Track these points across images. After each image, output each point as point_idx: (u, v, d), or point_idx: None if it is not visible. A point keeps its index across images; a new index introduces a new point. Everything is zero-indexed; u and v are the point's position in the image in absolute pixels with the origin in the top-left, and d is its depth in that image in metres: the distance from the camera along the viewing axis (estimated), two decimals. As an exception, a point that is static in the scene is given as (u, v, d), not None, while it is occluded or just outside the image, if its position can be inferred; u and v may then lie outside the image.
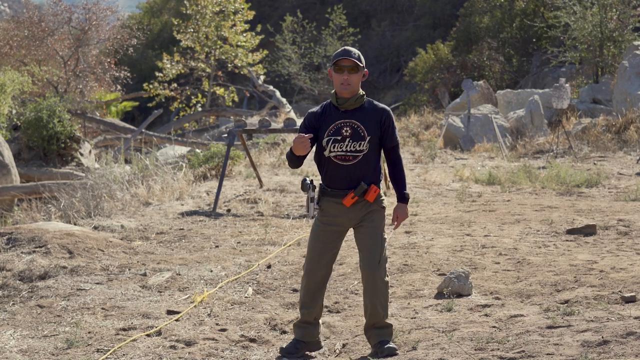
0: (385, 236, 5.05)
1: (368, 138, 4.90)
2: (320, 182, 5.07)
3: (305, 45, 34.05)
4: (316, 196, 5.04)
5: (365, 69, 4.97)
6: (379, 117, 4.95)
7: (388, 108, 5.03)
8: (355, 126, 4.91)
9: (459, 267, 6.91)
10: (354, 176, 4.93)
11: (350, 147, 4.89)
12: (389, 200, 11.38)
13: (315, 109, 5.07)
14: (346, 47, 4.95)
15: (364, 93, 4.97)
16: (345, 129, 4.90)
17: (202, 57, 29.09)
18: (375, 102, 5.04)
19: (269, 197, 11.79)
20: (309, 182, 5.03)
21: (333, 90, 5.01)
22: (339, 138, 4.90)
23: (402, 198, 5.06)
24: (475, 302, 6.13)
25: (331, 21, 34.57)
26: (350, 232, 5.23)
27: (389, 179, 12.35)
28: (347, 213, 4.97)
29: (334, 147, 4.91)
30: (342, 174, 4.93)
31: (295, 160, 4.95)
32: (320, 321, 5.29)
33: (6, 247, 7.95)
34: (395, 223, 5.08)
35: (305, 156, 4.93)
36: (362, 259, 5.01)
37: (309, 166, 14.98)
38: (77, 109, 22.39)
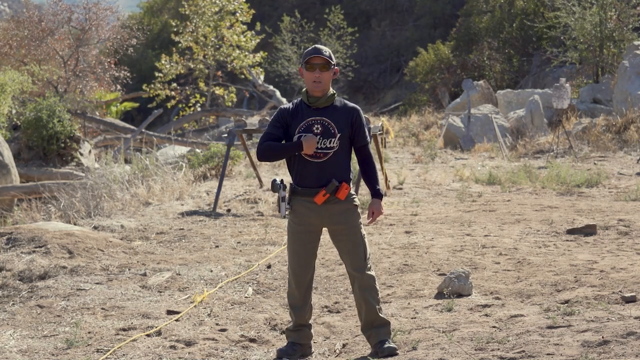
0: (364, 232, 5.07)
1: (338, 135, 4.93)
2: (291, 182, 5.07)
3: (305, 45, 34.03)
4: (287, 196, 5.04)
5: (336, 67, 5.00)
6: (350, 116, 4.99)
7: (358, 107, 5.09)
8: (326, 123, 4.94)
9: (459, 267, 6.90)
10: (325, 173, 4.94)
11: (320, 144, 4.92)
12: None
13: (286, 105, 5.09)
14: (317, 46, 4.97)
15: (334, 92, 5.02)
16: (316, 126, 4.94)
17: (201, 57, 29.07)
18: (346, 101, 5.08)
19: (269, 197, 11.78)
20: (279, 182, 5.04)
21: (304, 89, 5.03)
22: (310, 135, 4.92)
23: (377, 194, 5.06)
24: (476, 302, 6.12)
25: (329, 21, 34.50)
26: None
27: (388, 180, 12.25)
28: (319, 212, 4.97)
29: None
30: (313, 171, 4.95)
31: (283, 156, 4.99)
32: (312, 322, 5.30)
33: (6, 247, 7.94)
34: (371, 219, 5.06)
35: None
36: (347, 261, 5.03)
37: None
38: (77, 108, 22.37)
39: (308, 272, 5.07)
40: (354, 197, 5.06)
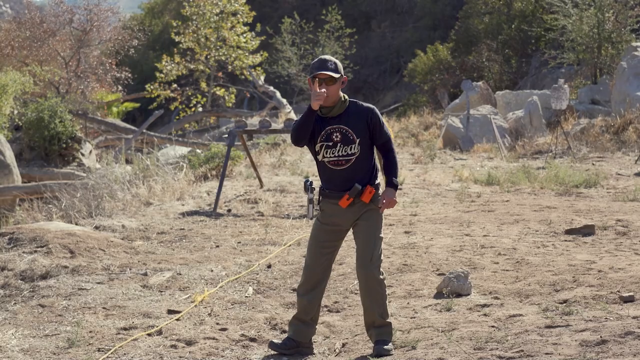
0: (382, 235, 5.10)
1: (358, 140, 4.98)
2: (320, 184, 5.14)
3: (305, 46, 34.04)
4: (315, 197, 5.11)
5: (344, 76, 5.02)
6: (365, 118, 5.02)
7: (372, 106, 5.10)
8: (344, 131, 4.98)
9: (458, 267, 6.94)
10: (349, 178, 5.01)
11: (342, 152, 4.98)
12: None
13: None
14: (322, 58, 4.99)
15: (346, 97, 5.04)
16: (335, 134, 4.99)
17: (203, 58, 29.08)
18: (360, 103, 5.10)
19: (269, 197, 11.81)
20: (309, 184, 5.13)
21: None
22: (331, 144, 4.99)
23: (390, 184, 5.08)
24: (475, 301, 6.15)
25: (328, 23, 34.47)
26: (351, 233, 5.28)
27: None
28: (344, 213, 5.05)
29: (326, 153, 5.00)
30: (337, 177, 5.02)
31: (306, 126, 4.90)
32: (317, 324, 5.32)
33: (8, 247, 7.97)
34: (381, 205, 5.04)
35: (310, 129, 4.94)
36: (356, 257, 5.09)
37: (310, 166, 15.04)
38: (78, 109, 22.40)
39: (321, 270, 5.10)
40: (379, 199, 5.07)
